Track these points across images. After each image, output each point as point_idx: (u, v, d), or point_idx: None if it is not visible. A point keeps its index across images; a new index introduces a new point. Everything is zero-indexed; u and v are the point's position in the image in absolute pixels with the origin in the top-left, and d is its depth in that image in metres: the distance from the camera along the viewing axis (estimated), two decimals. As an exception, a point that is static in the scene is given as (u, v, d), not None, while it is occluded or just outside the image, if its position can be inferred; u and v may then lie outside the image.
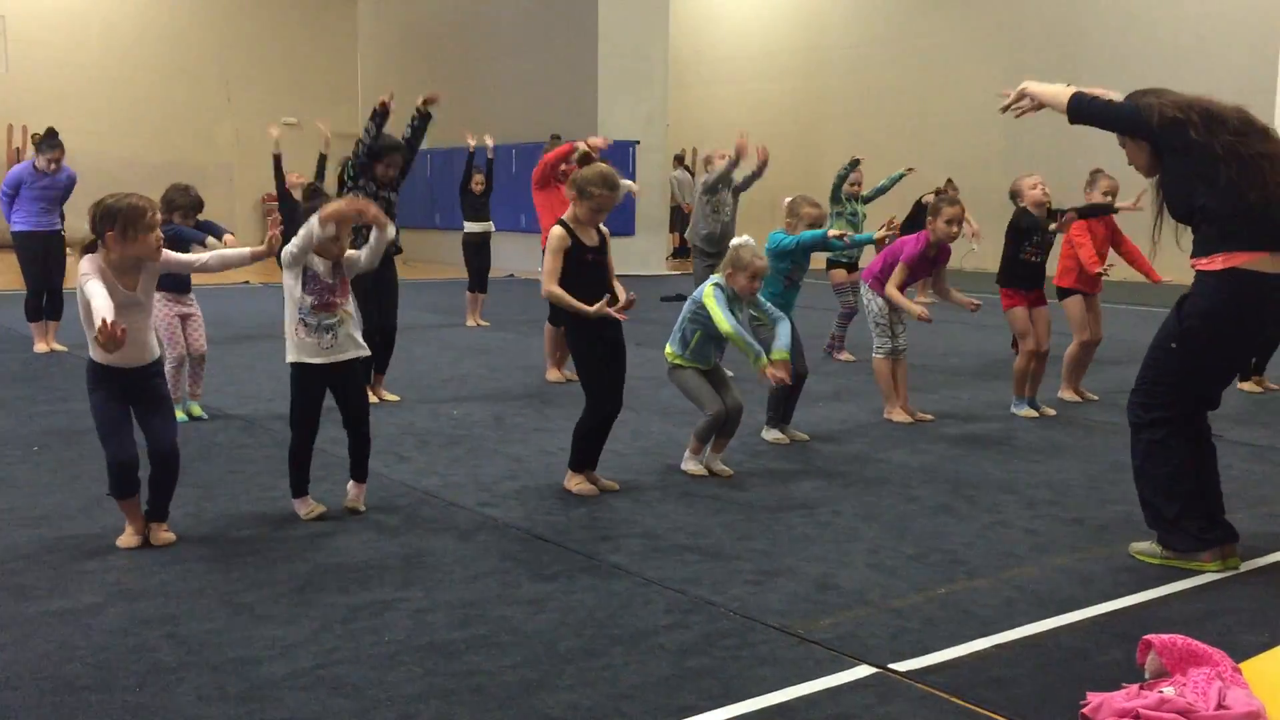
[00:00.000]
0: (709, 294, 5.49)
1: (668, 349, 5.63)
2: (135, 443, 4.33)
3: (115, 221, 4.14)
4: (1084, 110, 4.27)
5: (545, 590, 3.94)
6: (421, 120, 7.29)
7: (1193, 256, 4.19)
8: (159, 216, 4.31)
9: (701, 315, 5.50)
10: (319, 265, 4.71)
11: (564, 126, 18.24)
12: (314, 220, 4.56)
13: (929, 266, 6.96)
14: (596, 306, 4.93)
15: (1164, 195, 4.28)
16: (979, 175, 19.35)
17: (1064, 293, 7.58)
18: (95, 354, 4.23)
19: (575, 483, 5.21)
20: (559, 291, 5.00)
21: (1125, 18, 18.03)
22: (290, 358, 4.75)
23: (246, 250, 4.67)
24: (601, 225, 5.16)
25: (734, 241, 5.73)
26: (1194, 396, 4.27)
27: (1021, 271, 7.12)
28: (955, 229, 6.78)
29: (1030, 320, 7.11)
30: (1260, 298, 4.08)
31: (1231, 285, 4.07)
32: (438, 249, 19.41)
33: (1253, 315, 4.14)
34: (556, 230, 5.06)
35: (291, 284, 4.69)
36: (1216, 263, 4.09)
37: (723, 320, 5.38)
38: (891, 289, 6.74)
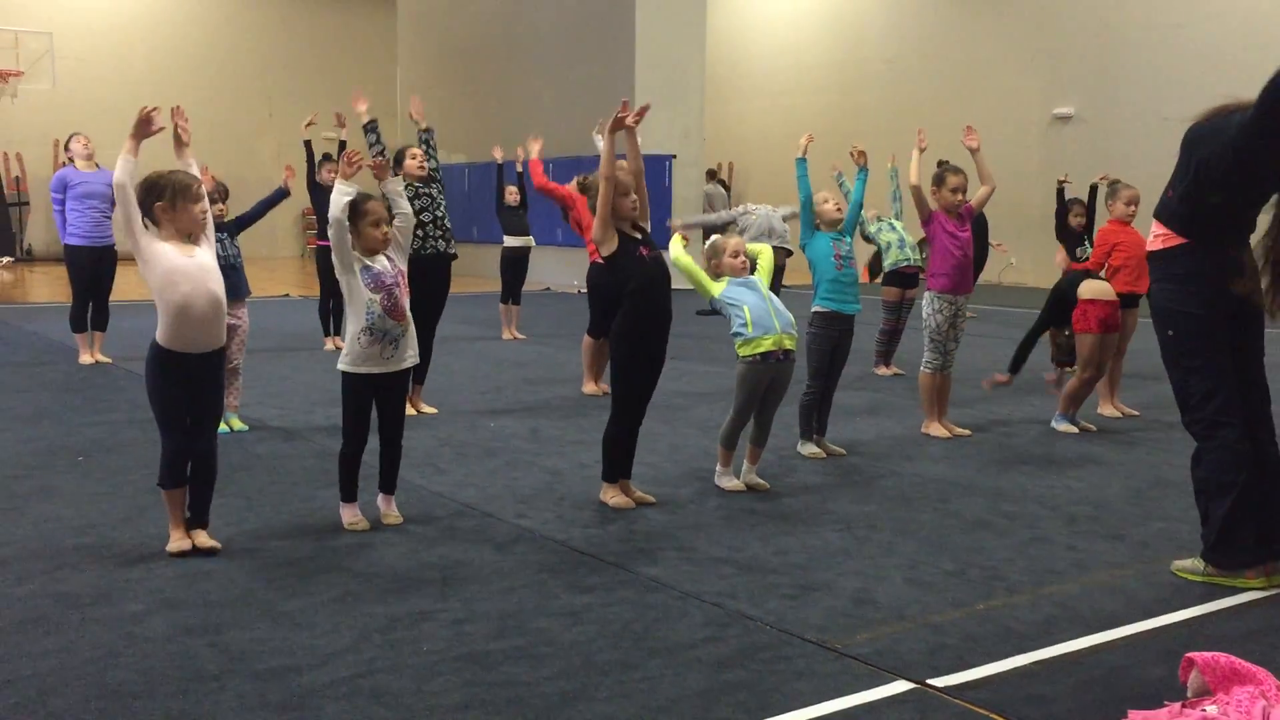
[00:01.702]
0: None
1: (736, 346, 5.44)
2: (188, 434, 4.39)
3: (164, 193, 4.28)
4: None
5: (582, 602, 3.95)
6: (425, 133, 7.29)
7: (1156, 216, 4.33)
8: (204, 190, 4.42)
9: (732, 292, 5.42)
10: (378, 263, 4.72)
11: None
12: (336, 185, 4.60)
13: (963, 229, 6.78)
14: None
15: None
16: (1017, 188, 19.22)
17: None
18: (163, 337, 4.30)
19: (610, 495, 5.22)
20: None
21: (1165, 29, 17.89)
22: (343, 366, 4.71)
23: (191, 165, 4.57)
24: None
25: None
26: (1225, 375, 4.18)
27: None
28: (960, 197, 6.75)
29: (1100, 347, 7.04)
30: (1207, 259, 4.13)
31: (1172, 259, 4.18)
32: (474, 262, 19.51)
33: (1213, 275, 4.13)
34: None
35: (354, 285, 4.65)
36: (1157, 243, 4.24)
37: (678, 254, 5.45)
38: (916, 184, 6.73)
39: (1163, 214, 4.26)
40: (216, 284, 4.37)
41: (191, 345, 4.31)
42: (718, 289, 5.45)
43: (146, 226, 4.34)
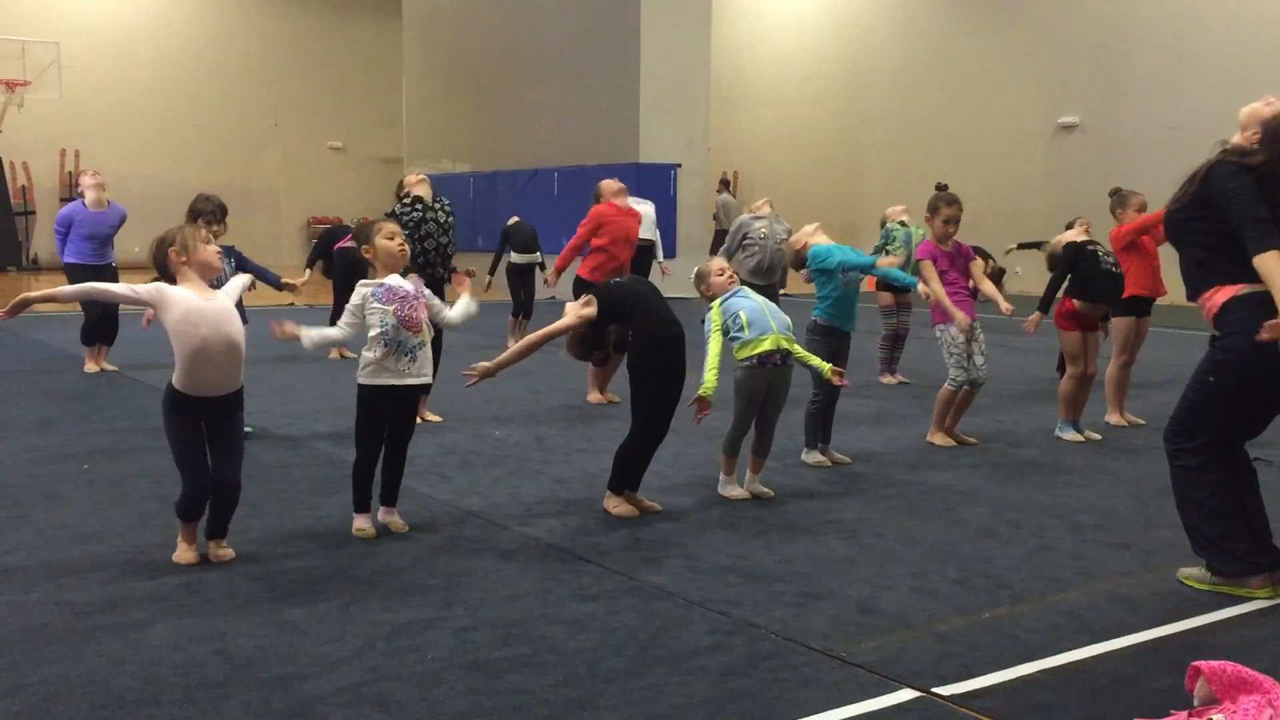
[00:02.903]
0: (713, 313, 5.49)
1: (735, 350, 5.44)
2: (209, 471, 4.36)
3: (174, 240, 4.33)
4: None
5: (587, 610, 3.94)
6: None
7: (1194, 294, 4.20)
8: (210, 233, 4.48)
9: (726, 305, 5.44)
10: (394, 280, 4.74)
11: (606, 150, 18.35)
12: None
13: (960, 262, 6.79)
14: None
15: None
16: (1022, 198, 19.22)
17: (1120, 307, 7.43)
18: (179, 381, 4.27)
19: (615, 504, 5.22)
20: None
21: (1170, 40, 17.91)
22: (360, 379, 4.73)
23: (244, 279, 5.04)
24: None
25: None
26: (1231, 426, 4.21)
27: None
28: (952, 228, 6.73)
29: (1084, 344, 7.06)
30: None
31: (1255, 309, 3.94)
32: (479, 271, 19.61)
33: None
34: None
35: (368, 314, 4.68)
36: (1222, 294, 4.07)
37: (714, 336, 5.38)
38: (935, 286, 6.65)
39: (1203, 281, 4.16)
40: (235, 329, 4.32)
41: (208, 389, 4.27)
42: (716, 314, 5.45)
43: (160, 280, 4.38)
